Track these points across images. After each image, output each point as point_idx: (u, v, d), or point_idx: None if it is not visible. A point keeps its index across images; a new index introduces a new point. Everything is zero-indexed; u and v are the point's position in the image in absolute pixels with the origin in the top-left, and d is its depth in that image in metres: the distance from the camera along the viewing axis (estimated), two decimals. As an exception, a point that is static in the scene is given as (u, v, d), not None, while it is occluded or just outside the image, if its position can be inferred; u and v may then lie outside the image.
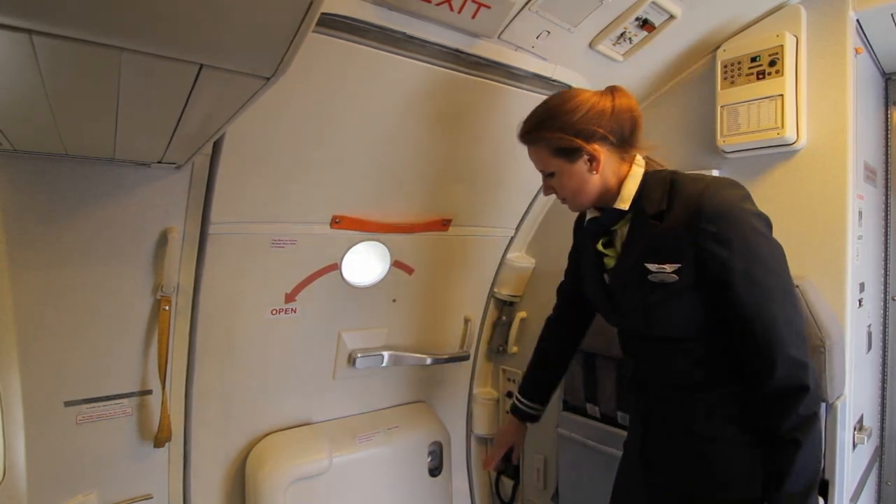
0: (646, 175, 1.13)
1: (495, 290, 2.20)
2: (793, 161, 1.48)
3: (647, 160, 1.16)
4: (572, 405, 1.93)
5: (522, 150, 1.22)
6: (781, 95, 1.43)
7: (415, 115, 1.47)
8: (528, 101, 1.50)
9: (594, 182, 1.13)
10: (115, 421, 1.36)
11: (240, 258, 1.50)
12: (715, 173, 1.63)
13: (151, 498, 1.44)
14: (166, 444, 1.43)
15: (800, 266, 1.44)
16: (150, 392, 1.40)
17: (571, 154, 1.11)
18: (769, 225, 1.09)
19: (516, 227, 2.09)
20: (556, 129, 1.11)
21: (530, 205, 2.03)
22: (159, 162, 1.22)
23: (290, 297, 1.63)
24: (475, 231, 1.98)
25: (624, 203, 1.13)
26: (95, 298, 1.29)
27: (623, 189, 1.13)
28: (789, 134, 1.43)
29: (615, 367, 1.79)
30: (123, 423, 1.38)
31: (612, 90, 1.14)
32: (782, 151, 1.49)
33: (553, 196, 1.24)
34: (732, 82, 1.53)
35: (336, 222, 1.61)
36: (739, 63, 1.52)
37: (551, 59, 1.51)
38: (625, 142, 1.13)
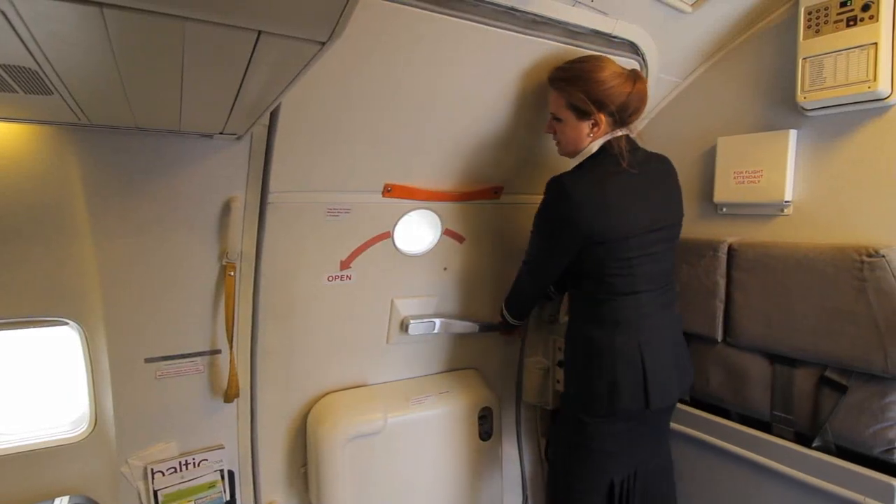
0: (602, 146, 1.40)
1: None
2: (885, 118, 1.34)
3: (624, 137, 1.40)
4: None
5: None
6: (875, 44, 1.28)
7: (470, 81, 1.43)
8: None
9: (584, 141, 1.40)
10: (190, 377, 1.46)
11: (296, 226, 1.55)
12: (793, 134, 1.50)
13: (223, 448, 1.55)
14: (235, 400, 1.53)
15: (889, 234, 1.32)
16: (219, 352, 1.49)
17: (583, 114, 1.37)
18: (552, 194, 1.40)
19: None
20: (581, 90, 1.35)
21: None
22: (221, 133, 1.26)
23: (344, 265, 1.67)
24: (527, 199, 1.94)
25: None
26: (169, 264, 1.38)
27: (584, 153, 1.42)
28: (882, 87, 1.29)
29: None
30: (196, 380, 1.48)
31: (635, 76, 1.37)
32: (874, 107, 1.34)
33: None
34: (817, 31, 1.38)
35: (388, 191, 1.63)
36: (827, 9, 1.36)
37: (612, 13, 1.42)
38: (621, 121, 1.38)
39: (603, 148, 1.39)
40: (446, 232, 1.84)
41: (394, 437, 1.78)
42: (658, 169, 1.47)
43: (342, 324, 1.75)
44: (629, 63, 1.63)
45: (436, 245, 1.84)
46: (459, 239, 1.89)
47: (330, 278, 1.67)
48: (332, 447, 1.65)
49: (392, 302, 1.83)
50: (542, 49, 1.43)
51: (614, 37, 1.48)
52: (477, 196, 1.83)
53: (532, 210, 1.88)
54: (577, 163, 1.44)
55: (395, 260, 1.77)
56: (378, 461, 1.76)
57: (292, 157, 1.41)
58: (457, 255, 1.91)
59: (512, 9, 1.29)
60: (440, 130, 1.55)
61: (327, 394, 1.77)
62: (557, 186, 1.37)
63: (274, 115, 1.32)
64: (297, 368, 1.71)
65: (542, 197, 1.44)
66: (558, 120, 1.43)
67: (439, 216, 1.80)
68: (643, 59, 1.62)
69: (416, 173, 1.64)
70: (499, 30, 1.32)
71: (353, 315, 1.76)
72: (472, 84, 1.44)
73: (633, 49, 1.59)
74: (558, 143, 1.48)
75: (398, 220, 1.72)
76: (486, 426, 1.97)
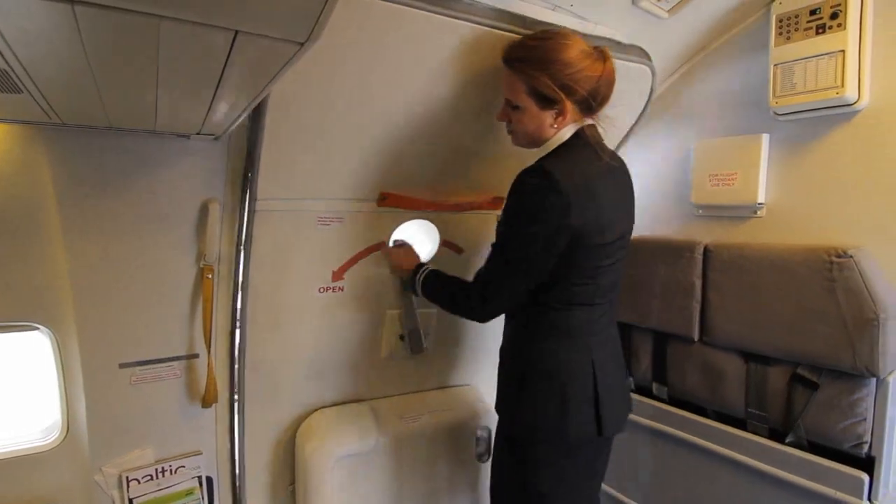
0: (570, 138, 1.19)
1: None
2: (853, 122, 1.39)
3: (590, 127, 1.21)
4: (606, 376, 1.92)
5: None
6: (843, 51, 1.33)
7: (462, 85, 1.39)
8: None
9: (549, 132, 1.18)
10: (166, 382, 1.43)
11: (286, 234, 1.50)
12: (766, 138, 1.54)
13: (201, 454, 1.52)
14: (213, 405, 1.51)
15: (858, 235, 1.37)
16: (196, 356, 1.47)
17: (547, 102, 1.14)
18: (537, 187, 1.13)
19: None
20: (545, 74, 1.12)
21: None
22: (198, 133, 1.24)
23: (336, 276, 1.62)
24: None
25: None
26: (144, 267, 1.35)
27: (550, 143, 1.20)
28: (850, 93, 1.33)
29: (651, 339, 1.76)
30: (173, 385, 1.45)
31: (603, 55, 1.15)
32: (841, 113, 1.39)
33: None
34: (788, 38, 1.43)
35: (383, 199, 1.57)
36: (797, 17, 1.41)
37: (591, 17, 1.44)
38: (590, 109, 1.18)
39: (577, 135, 1.18)
40: (444, 243, 1.79)
41: (385, 456, 1.71)
42: (623, 167, 1.30)
43: (334, 336, 1.69)
44: None
45: (433, 256, 1.78)
46: (458, 250, 1.83)
47: (321, 289, 1.61)
48: (321, 466, 1.59)
49: (386, 314, 1.77)
50: None
51: (593, 37, 1.50)
52: (476, 206, 1.77)
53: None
54: (545, 152, 1.21)
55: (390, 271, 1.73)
56: (368, 481, 1.70)
57: (281, 163, 1.37)
58: (455, 266, 1.84)
59: (492, 9, 1.29)
60: (437, 137, 1.49)
61: (317, 409, 1.71)
62: (541, 176, 1.11)
63: (256, 117, 1.30)
64: (287, 382, 1.65)
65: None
66: (515, 108, 1.19)
67: (437, 226, 1.75)
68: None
69: (413, 182, 1.58)
70: (487, 28, 1.28)
71: (345, 328, 1.70)
72: (468, 89, 1.41)
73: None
74: (513, 134, 1.26)
75: (394, 230, 1.67)
76: (481, 447, 1.86)
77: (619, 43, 1.49)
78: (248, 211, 1.43)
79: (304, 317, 1.61)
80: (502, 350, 1.35)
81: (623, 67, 1.44)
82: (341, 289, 1.64)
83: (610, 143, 1.61)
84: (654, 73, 1.60)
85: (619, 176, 1.27)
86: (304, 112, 1.29)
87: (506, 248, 1.20)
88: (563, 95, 1.13)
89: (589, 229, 1.14)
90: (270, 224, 1.46)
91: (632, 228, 1.32)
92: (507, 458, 1.32)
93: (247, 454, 1.61)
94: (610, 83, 1.17)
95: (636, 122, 1.77)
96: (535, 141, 1.22)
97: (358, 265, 1.64)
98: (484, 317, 1.31)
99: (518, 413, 1.26)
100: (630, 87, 1.57)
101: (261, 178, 1.36)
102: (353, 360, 1.75)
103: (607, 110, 1.25)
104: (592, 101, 1.16)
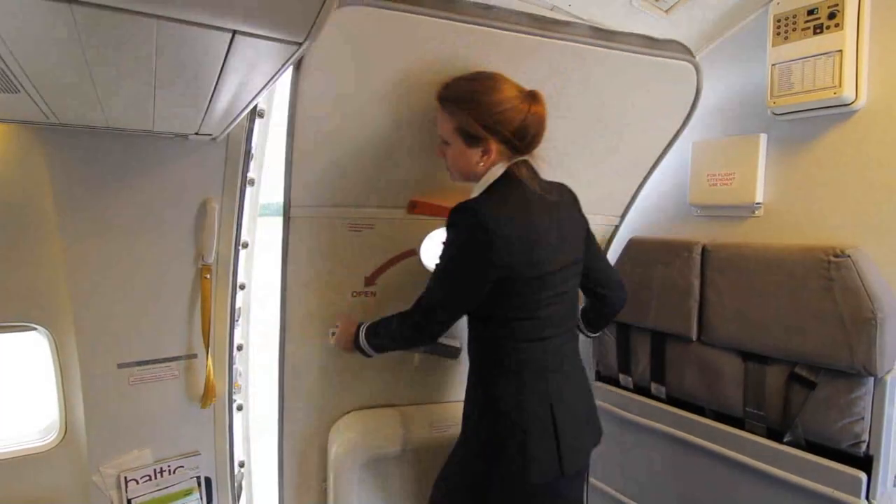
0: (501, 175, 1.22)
1: None
2: (850, 122, 1.39)
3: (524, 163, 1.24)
4: (605, 375, 1.92)
5: (619, 125, 1.34)
6: (840, 51, 1.33)
7: None
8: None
9: (478, 168, 1.22)
10: (165, 383, 1.43)
11: (320, 240, 1.51)
12: (763, 138, 1.54)
13: (199, 454, 1.52)
14: (212, 405, 1.51)
15: (855, 234, 1.37)
16: (195, 356, 1.47)
17: (472, 140, 1.19)
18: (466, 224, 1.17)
19: (621, 214, 1.85)
20: (471, 114, 1.17)
21: (638, 188, 1.79)
22: (196, 133, 1.24)
23: (369, 281, 1.63)
24: None
25: (476, 192, 1.24)
26: (142, 267, 1.35)
27: (485, 179, 1.23)
28: (847, 93, 1.34)
29: (649, 339, 1.76)
30: (172, 385, 1.45)
31: (532, 97, 1.19)
32: (839, 112, 1.39)
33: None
34: (786, 38, 1.43)
35: (413, 207, 1.56)
36: (795, 16, 1.41)
37: (588, 18, 1.44)
38: (517, 149, 1.20)
39: (507, 173, 1.22)
40: None
41: (411, 462, 1.72)
42: (565, 200, 1.32)
43: None
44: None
45: None
46: None
47: (354, 294, 1.63)
48: (349, 465, 1.62)
49: None
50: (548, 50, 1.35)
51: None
52: None
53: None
54: (480, 188, 1.24)
55: (423, 278, 1.71)
56: (394, 484, 1.72)
57: (313, 171, 1.38)
58: None
59: (487, 7, 1.29)
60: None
61: (350, 411, 1.72)
62: (470, 215, 1.16)
63: (255, 117, 1.31)
64: (322, 384, 1.66)
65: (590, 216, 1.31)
66: (446, 143, 1.24)
67: None
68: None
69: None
70: (519, 34, 1.26)
71: None
72: None
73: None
74: (448, 169, 1.30)
75: (424, 237, 1.66)
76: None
77: (654, 39, 1.41)
78: (247, 211, 1.43)
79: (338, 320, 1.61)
80: (468, 378, 1.35)
81: (659, 66, 1.39)
82: (373, 294, 1.65)
83: (652, 152, 1.65)
84: (698, 71, 1.49)
85: (561, 209, 1.28)
86: (334, 122, 1.29)
87: (440, 276, 1.25)
88: (486, 134, 1.17)
89: (518, 265, 1.17)
90: (305, 230, 1.48)
91: (581, 253, 1.33)
92: (461, 481, 1.33)
93: (285, 453, 1.65)
94: (539, 123, 1.20)
95: (683, 126, 1.61)
96: (467, 176, 1.27)
97: (390, 270, 1.65)
98: (433, 336, 1.32)
99: (479, 446, 1.27)
100: (669, 87, 1.49)
101: (294, 187, 1.39)
102: (386, 365, 1.74)
103: (636, 118, 1.32)
104: (518, 141, 1.19)
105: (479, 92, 1.18)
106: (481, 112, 1.17)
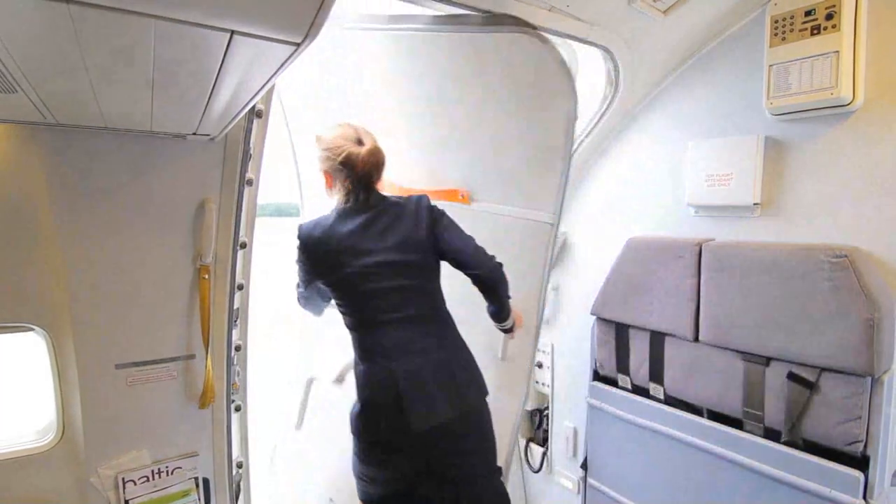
0: None
1: None
2: (847, 123, 1.39)
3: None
4: (603, 376, 1.92)
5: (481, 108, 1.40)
6: (837, 52, 1.34)
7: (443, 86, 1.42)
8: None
9: (330, 193, 1.59)
10: (163, 383, 1.43)
11: None
12: (761, 138, 1.55)
13: (197, 455, 1.52)
14: (210, 406, 1.50)
15: (853, 235, 1.37)
16: (193, 356, 1.46)
17: (324, 172, 1.58)
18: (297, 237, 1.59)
19: (554, 211, 1.76)
20: (320, 151, 1.56)
21: (565, 183, 1.72)
22: (194, 133, 1.24)
23: None
24: (495, 209, 1.86)
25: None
26: (140, 267, 1.34)
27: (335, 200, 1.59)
28: (844, 94, 1.34)
29: (648, 339, 1.76)
30: (170, 386, 1.45)
31: (358, 141, 1.53)
32: (836, 113, 1.40)
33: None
34: (784, 39, 1.43)
35: None
36: (792, 18, 1.41)
37: (587, 19, 1.44)
38: (355, 179, 1.52)
39: (343, 196, 1.55)
40: None
41: None
42: (396, 211, 1.57)
43: None
44: (604, 68, 1.66)
45: None
46: None
47: None
48: None
49: None
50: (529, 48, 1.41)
51: (589, 41, 1.50)
52: (443, 196, 1.82)
53: (501, 220, 1.88)
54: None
55: None
56: None
57: None
58: None
59: (488, 12, 1.30)
60: (411, 132, 1.55)
61: None
62: (298, 231, 1.58)
63: (252, 117, 1.31)
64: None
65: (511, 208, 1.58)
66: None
67: None
68: (616, 64, 1.65)
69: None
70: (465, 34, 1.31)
71: None
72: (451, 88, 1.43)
73: (607, 54, 1.61)
74: None
75: None
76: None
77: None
78: (245, 212, 1.43)
79: None
80: None
81: (499, 41, 1.43)
82: None
83: (552, 137, 1.65)
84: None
85: (390, 218, 1.56)
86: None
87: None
88: (321, 166, 1.57)
89: (327, 266, 1.53)
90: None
91: (415, 254, 1.54)
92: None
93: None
94: (367, 162, 1.51)
95: (570, 108, 1.55)
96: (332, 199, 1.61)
97: None
98: (313, 306, 1.72)
99: (352, 413, 1.58)
100: (519, 62, 1.49)
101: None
102: None
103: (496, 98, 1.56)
104: (350, 173, 1.51)
105: (322, 138, 1.59)
106: (321, 150, 1.56)
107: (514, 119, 1.67)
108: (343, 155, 1.52)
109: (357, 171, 1.52)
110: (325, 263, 1.54)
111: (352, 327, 1.58)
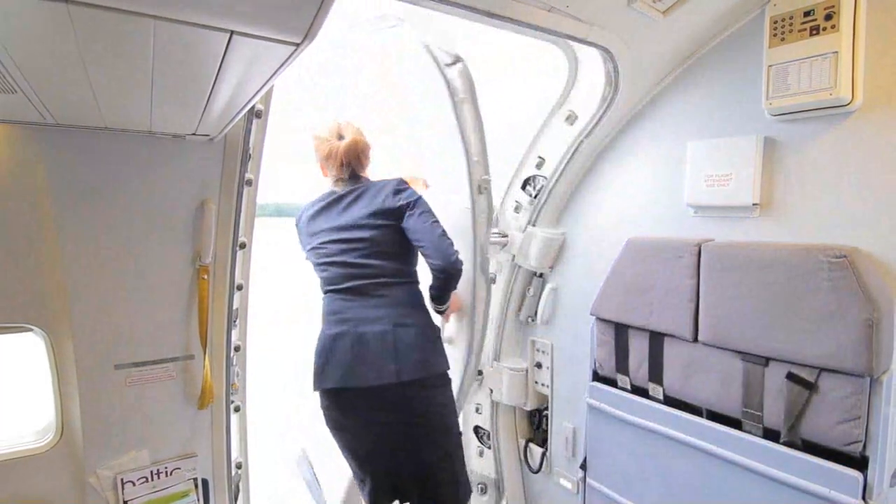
0: None
1: (518, 260, 2.19)
2: (846, 123, 1.39)
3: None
4: (602, 376, 1.92)
5: None
6: (836, 53, 1.34)
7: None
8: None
9: (326, 181, 1.89)
10: (162, 384, 1.43)
11: None
12: (760, 139, 1.55)
13: (196, 456, 1.52)
14: (209, 407, 1.50)
15: (852, 235, 1.37)
16: (192, 357, 1.46)
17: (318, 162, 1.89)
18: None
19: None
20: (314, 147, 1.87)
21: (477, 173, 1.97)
22: (194, 134, 1.24)
23: None
24: None
25: None
26: (139, 268, 1.34)
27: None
28: (843, 94, 1.34)
29: (647, 340, 1.76)
30: (169, 386, 1.45)
31: (339, 136, 1.82)
32: (836, 113, 1.40)
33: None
34: (783, 39, 1.43)
35: None
36: (791, 18, 1.41)
37: (587, 19, 1.45)
38: (338, 167, 1.82)
39: (332, 182, 1.85)
40: None
41: None
42: (360, 191, 1.79)
43: None
44: (604, 69, 1.66)
45: None
46: None
47: None
48: None
49: None
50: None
51: (588, 42, 1.50)
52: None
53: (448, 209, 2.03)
54: None
55: None
56: None
57: None
58: None
59: (488, 12, 1.30)
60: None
61: None
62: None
63: (251, 117, 1.31)
64: None
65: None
66: None
67: None
68: (616, 64, 1.65)
69: None
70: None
71: None
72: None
73: (606, 55, 1.62)
74: None
75: None
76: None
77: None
78: (244, 212, 1.43)
79: None
80: None
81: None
82: None
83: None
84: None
85: (346, 198, 1.80)
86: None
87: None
88: (318, 158, 1.86)
89: (304, 239, 1.85)
90: None
91: (369, 229, 1.74)
92: None
93: None
94: (347, 153, 1.79)
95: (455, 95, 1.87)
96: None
97: None
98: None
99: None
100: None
101: None
102: None
103: None
104: (332, 163, 1.81)
105: (314, 135, 1.90)
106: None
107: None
108: (325, 149, 1.81)
109: (338, 162, 1.80)
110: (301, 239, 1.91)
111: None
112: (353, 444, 1.78)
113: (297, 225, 1.87)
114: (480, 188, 1.95)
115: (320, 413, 1.79)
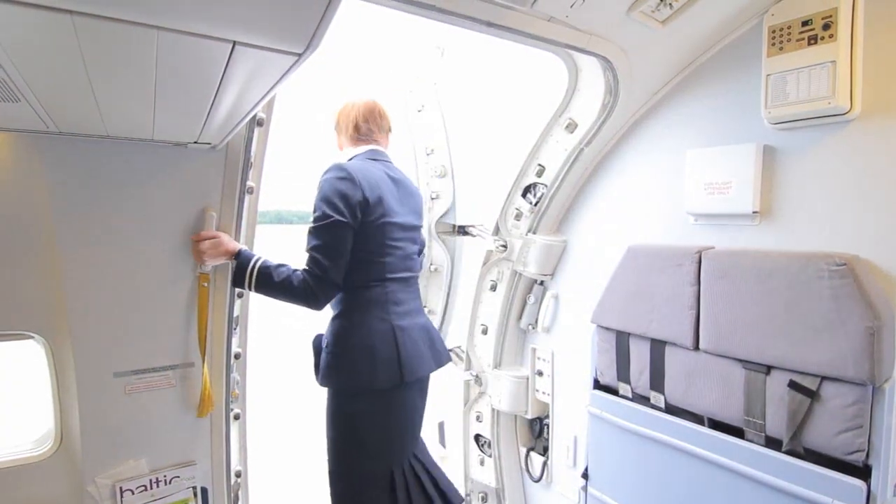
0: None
1: (517, 267, 2.19)
2: (845, 132, 1.40)
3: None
4: (603, 384, 1.92)
5: None
6: (834, 62, 1.34)
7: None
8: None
9: (343, 153, 1.85)
10: (161, 392, 1.43)
11: None
12: (759, 147, 1.55)
13: (195, 464, 1.51)
14: (208, 415, 1.50)
15: (852, 243, 1.37)
16: (192, 365, 1.46)
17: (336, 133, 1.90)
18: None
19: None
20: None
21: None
22: (195, 142, 1.24)
23: None
24: None
25: None
26: (140, 275, 1.35)
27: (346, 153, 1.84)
28: (842, 103, 1.35)
29: (648, 348, 1.76)
30: (168, 394, 1.44)
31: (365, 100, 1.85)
32: (834, 122, 1.40)
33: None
34: (781, 48, 1.44)
35: None
36: (789, 28, 1.42)
37: (585, 29, 1.46)
38: (353, 137, 1.83)
39: (367, 150, 1.81)
40: None
41: None
42: (400, 179, 1.83)
43: None
44: (603, 78, 1.67)
45: None
46: None
47: None
48: None
49: None
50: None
51: (587, 51, 1.51)
52: None
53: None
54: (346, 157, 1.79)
55: None
56: None
57: None
58: None
59: (489, 22, 1.31)
60: None
61: None
62: (338, 168, 1.63)
63: (253, 126, 1.31)
64: None
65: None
66: None
67: None
68: (615, 73, 1.66)
69: None
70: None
71: None
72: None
73: (606, 64, 1.63)
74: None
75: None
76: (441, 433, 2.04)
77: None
78: (245, 219, 1.43)
79: None
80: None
81: None
82: None
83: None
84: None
85: (403, 186, 1.83)
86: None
87: (318, 232, 1.57)
88: (335, 130, 1.89)
89: (374, 205, 1.66)
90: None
91: (417, 222, 1.88)
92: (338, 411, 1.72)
93: None
94: (356, 118, 1.81)
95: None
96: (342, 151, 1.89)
97: None
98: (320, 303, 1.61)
99: (339, 376, 1.66)
100: None
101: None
102: None
103: None
104: (353, 131, 1.82)
105: (340, 105, 1.91)
106: (335, 115, 1.90)
107: None
108: (363, 108, 1.85)
109: (380, 113, 1.89)
110: None
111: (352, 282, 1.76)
112: (403, 432, 1.80)
113: (354, 179, 1.60)
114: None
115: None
